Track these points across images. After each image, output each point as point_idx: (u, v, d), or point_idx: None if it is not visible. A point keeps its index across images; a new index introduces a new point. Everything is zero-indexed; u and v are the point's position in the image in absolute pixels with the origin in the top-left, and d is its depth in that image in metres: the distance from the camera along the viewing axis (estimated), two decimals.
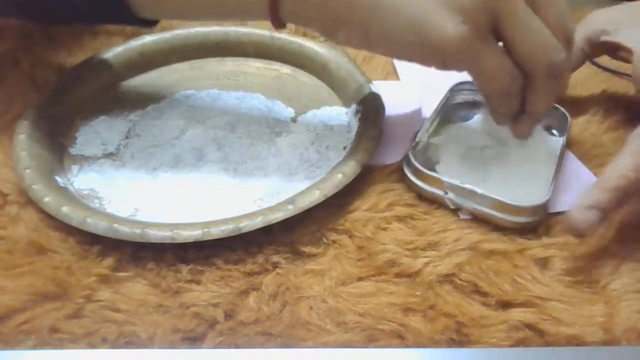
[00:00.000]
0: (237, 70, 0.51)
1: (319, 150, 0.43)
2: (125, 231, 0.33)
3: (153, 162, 0.41)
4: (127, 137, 0.43)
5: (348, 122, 0.45)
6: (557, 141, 0.43)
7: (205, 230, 0.34)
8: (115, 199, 0.38)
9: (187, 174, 0.40)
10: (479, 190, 0.36)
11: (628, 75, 0.51)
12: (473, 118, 0.45)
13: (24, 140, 0.39)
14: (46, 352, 0.30)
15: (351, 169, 0.38)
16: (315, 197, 0.36)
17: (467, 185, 0.37)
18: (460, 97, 0.46)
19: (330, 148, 0.43)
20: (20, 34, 0.54)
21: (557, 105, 0.43)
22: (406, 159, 0.39)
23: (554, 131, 0.44)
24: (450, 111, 0.45)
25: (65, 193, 0.37)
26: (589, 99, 0.49)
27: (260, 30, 0.52)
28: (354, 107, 0.45)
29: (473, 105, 0.46)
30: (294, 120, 0.46)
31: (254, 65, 0.52)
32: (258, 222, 0.34)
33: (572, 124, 0.46)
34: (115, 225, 0.34)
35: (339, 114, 0.46)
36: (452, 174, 0.38)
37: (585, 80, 0.51)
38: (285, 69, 0.51)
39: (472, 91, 0.46)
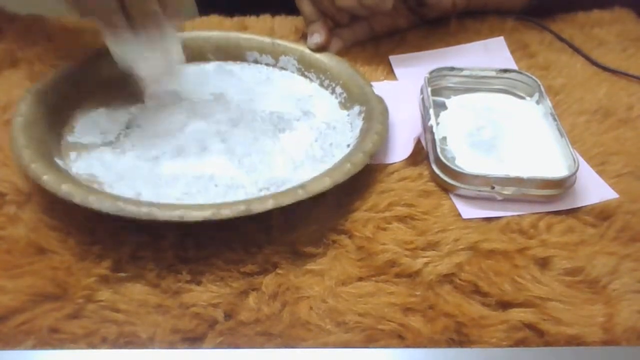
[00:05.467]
0: (238, 74, 0.51)
1: (323, 147, 0.43)
2: (131, 209, 0.32)
3: (154, 151, 0.41)
4: (127, 128, 0.43)
5: (350, 123, 0.45)
6: (533, 105, 0.46)
7: (216, 210, 0.33)
8: (117, 184, 0.38)
9: (190, 163, 0.40)
10: (524, 175, 0.37)
11: (628, 75, 0.51)
12: (447, 104, 0.47)
13: (21, 123, 0.38)
14: (46, 352, 0.30)
15: (359, 159, 0.38)
16: (326, 183, 0.35)
17: (514, 174, 0.38)
18: (433, 85, 0.48)
19: (334, 145, 0.43)
20: (19, 33, 0.54)
21: (523, 71, 0.48)
22: (440, 164, 0.39)
23: (522, 94, 0.48)
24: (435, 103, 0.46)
25: (65, 173, 0.36)
26: (589, 99, 0.49)
27: (261, 37, 0.52)
28: (356, 108, 0.45)
29: (443, 92, 0.48)
30: (297, 119, 0.46)
31: (255, 69, 0.52)
32: (269, 205, 0.33)
33: (572, 124, 0.46)
34: (120, 203, 0.32)
35: (341, 115, 0.46)
36: (474, 165, 0.40)
37: (585, 80, 0.51)
38: (287, 73, 0.51)
39: (441, 77, 0.49)
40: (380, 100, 0.44)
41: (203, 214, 0.32)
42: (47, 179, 0.34)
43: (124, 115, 0.45)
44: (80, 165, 0.39)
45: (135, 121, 0.44)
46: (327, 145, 0.43)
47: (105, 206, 0.32)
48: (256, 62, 0.52)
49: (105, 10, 0.40)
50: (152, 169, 0.39)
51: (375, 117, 0.42)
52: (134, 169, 0.39)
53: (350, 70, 0.48)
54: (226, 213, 0.33)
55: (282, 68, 0.52)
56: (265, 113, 0.46)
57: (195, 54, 0.52)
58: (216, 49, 0.52)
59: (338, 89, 0.48)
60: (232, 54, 0.52)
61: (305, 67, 0.51)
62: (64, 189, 0.33)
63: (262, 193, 0.38)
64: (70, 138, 0.42)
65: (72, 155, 0.40)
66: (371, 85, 0.46)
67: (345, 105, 0.47)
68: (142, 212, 0.32)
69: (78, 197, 0.33)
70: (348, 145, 0.42)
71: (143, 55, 0.43)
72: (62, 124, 0.43)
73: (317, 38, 0.51)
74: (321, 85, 0.50)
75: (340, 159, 0.39)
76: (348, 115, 0.46)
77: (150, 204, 0.33)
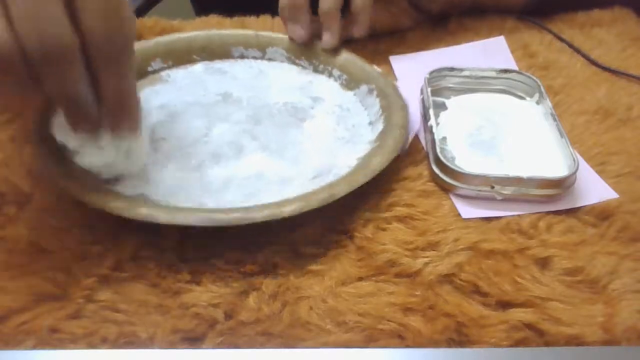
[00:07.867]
0: (229, 71, 0.50)
1: (347, 128, 0.43)
2: (221, 218, 0.32)
3: (194, 160, 0.40)
4: (151, 142, 0.41)
5: (361, 101, 0.46)
6: (533, 106, 0.46)
7: (305, 203, 0.34)
8: (172, 198, 0.36)
9: (234, 166, 0.39)
10: (524, 175, 0.37)
11: (628, 75, 0.51)
12: (447, 105, 0.47)
13: (51, 155, 0.36)
14: (46, 352, 0.30)
15: (398, 134, 0.40)
16: (377, 163, 0.37)
17: (513, 174, 0.38)
18: (433, 85, 0.48)
19: (357, 126, 0.44)
20: None
21: (523, 71, 0.49)
22: (440, 164, 0.39)
23: (522, 94, 0.48)
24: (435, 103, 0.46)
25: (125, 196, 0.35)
26: (589, 99, 0.49)
27: (243, 31, 0.51)
28: (364, 87, 0.46)
29: (442, 92, 0.48)
30: (311, 107, 0.46)
31: (244, 64, 0.51)
32: (344, 189, 0.35)
33: (572, 124, 0.46)
34: (210, 214, 0.33)
35: (348, 96, 0.47)
36: (474, 165, 0.40)
37: (585, 80, 0.51)
38: (277, 64, 0.51)
39: (441, 77, 0.49)
40: (384, 75, 0.45)
41: (292, 208, 0.33)
42: (120, 205, 0.33)
43: (143, 130, 0.41)
44: (126, 187, 0.37)
45: (156, 134, 0.42)
46: (351, 126, 0.44)
47: (195, 220, 0.32)
48: (242, 57, 0.51)
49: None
50: (200, 178, 0.38)
51: (390, 93, 0.43)
52: (184, 180, 0.38)
53: (345, 53, 0.48)
54: (313, 204, 0.34)
55: (271, 59, 0.51)
56: (278, 105, 0.45)
57: (181, 56, 0.50)
58: (201, 49, 0.51)
59: (335, 72, 0.48)
60: (217, 52, 0.51)
61: (296, 55, 0.50)
62: (144, 213, 0.32)
63: (317, 183, 0.38)
64: None
65: (112, 178, 0.37)
66: (372, 65, 0.47)
67: (349, 86, 0.47)
68: (234, 217, 0.32)
69: (163, 217, 0.32)
70: (370, 123, 0.43)
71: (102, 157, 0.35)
72: None
73: (299, 30, 0.49)
74: (316, 70, 0.50)
75: (369, 139, 0.41)
76: (355, 94, 0.46)
77: (238, 210, 0.33)
